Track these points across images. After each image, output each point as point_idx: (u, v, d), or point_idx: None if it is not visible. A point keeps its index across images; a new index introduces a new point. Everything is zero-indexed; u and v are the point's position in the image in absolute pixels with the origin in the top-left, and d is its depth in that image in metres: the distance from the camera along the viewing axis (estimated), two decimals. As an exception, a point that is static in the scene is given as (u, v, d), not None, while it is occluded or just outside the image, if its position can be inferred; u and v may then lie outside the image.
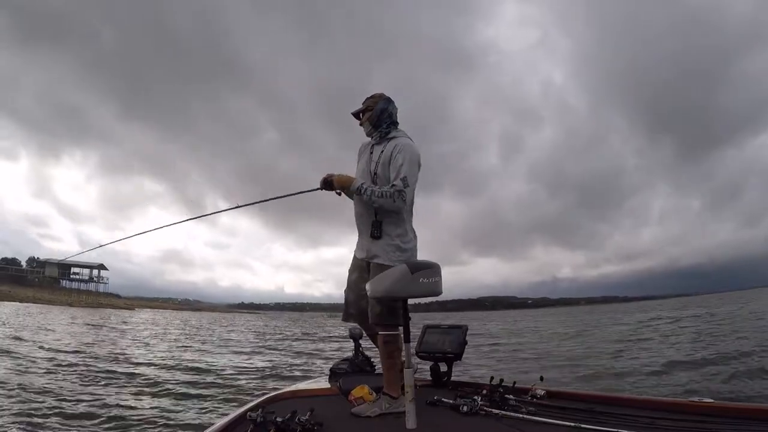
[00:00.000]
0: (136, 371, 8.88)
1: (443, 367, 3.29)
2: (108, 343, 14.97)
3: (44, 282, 78.85)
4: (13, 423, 5.01)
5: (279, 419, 2.11)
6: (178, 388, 7.22)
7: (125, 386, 7.23)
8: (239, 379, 8.32)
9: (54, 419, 5.23)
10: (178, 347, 14.75)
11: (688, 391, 6.50)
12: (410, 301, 2.40)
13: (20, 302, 50.96)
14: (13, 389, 6.58)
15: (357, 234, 2.86)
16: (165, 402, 6.27)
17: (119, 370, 9.02)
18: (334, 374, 3.23)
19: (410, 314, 2.39)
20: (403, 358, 2.34)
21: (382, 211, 2.69)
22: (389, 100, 2.86)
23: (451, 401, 2.56)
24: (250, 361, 11.23)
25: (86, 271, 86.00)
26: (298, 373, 9.09)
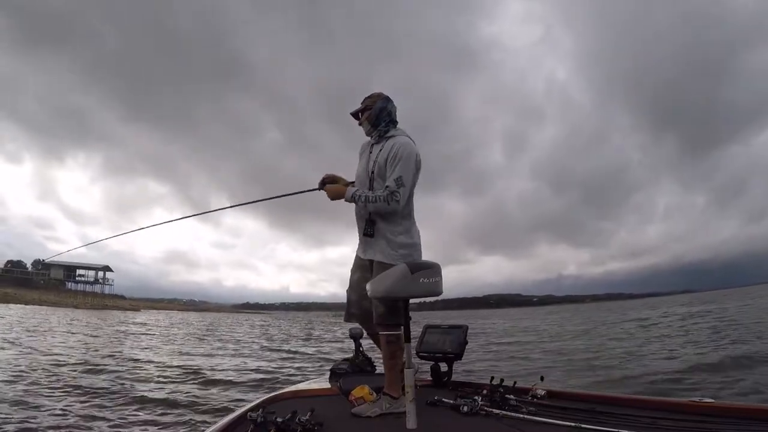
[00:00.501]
0: (137, 371, 8.93)
1: (443, 367, 3.29)
2: (111, 343, 15.04)
3: (49, 284, 79.09)
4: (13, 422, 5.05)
5: (279, 419, 2.12)
6: (179, 388, 7.24)
7: (126, 386, 7.25)
8: (240, 379, 8.33)
9: (53, 419, 5.25)
10: (180, 347, 14.80)
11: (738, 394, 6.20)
12: (415, 300, 2.40)
13: (25, 304, 51.18)
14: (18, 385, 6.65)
15: (358, 233, 2.87)
16: (165, 402, 6.28)
17: (120, 369, 9.08)
18: (334, 374, 3.22)
19: (416, 312, 2.38)
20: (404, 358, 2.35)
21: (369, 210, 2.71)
22: (388, 99, 2.86)
23: (451, 401, 2.56)
24: (252, 362, 11.23)
25: (91, 273, 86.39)
26: (298, 374, 9.09)
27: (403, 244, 2.68)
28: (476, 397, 2.51)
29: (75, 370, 8.62)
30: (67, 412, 5.53)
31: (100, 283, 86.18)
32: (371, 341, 3.02)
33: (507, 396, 2.53)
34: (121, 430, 5.03)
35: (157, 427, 5.13)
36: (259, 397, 3.02)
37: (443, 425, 2.31)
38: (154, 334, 20.40)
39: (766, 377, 6.98)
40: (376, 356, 3.13)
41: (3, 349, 11.67)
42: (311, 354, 13.25)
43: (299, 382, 4.49)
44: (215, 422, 2.34)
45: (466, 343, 3.22)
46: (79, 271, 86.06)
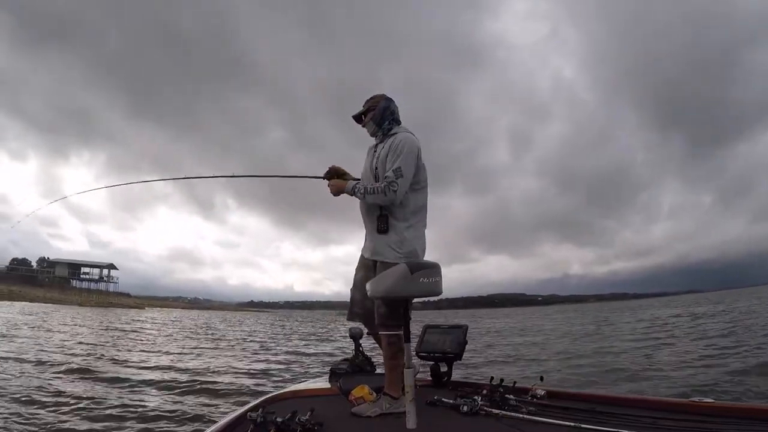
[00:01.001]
0: (139, 371, 8.95)
1: (443, 367, 3.29)
2: (114, 342, 15.10)
3: (54, 282, 79.50)
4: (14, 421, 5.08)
5: (279, 419, 2.13)
6: (180, 389, 7.25)
7: (126, 387, 7.28)
8: (240, 379, 8.35)
9: (53, 418, 5.28)
10: (183, 346, 14.84)
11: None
12: (419, 300, 2.40)
13: (30, 302, 51.44)
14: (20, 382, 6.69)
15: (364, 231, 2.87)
16: (165, 402, 6.30)
17: (122, 369, 9.12)
18: (334, 374, 3.23)
19: (421, 312, 2.38)
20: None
21: (386, 206, 2.70)
22: (390, 99, 2.89)
23: (451, 401, 2.56)
24: (253, 361, 11.25)
25: (96, 270, 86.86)
26: (298, 374, 9.10)
27: (407, 239, 2.66)
28: (476, 397, 2.51)
29: (75, 370, 8.66)
30: (63, 414, 5.55)
31: (105, 280, 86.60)
32: (372, 341, 3.02)
33: (507, 396, 2.53)
34: (121, 430, 5.05)
35: (156, 428, 5.15)
36: (258, 397, 3.02)
37: (443, 425, 2.31)
38: (156, 333, 20.46)
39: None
40: (376, 356, 3.13)
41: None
42: (312, 353, 13.28)
43: (299, 382, 4.49)
44: (215, 422, 2.34)
45: (466, 343, 3.22)
46: (84, 269, 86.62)
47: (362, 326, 3.12)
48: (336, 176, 2.91)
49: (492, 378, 2.80)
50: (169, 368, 9.48)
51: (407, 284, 2.21)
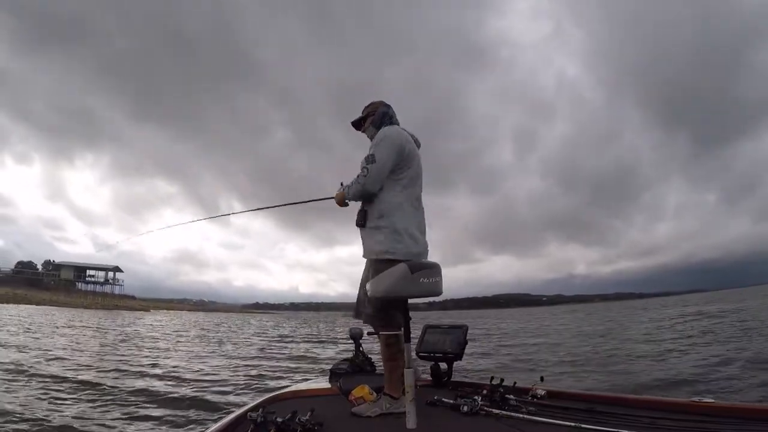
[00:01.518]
0: (141, 371, 8.99)
1: (443, 367, 3.29)
2: (118, 343, 15.15)
3: (60, 285, 79.78)
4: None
5: (279, 419, 2.14)
6: (180, 389, 7.27)
7: (128, 387, 7.31)
8: (241, 380, 8.36)
9: (52, 419, 5.31)
10: (185, 347, 14.90)
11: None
12: (424, 300, 2.40)
13: (37, 305, 51.65)
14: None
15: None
16: (166, 402, 6.31)
17: (124, 369, 9.16)
18: (334, 374, 3.24)
19: (426, 312, 2.38)
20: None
21: (365, 200, 2.71)
22: (389, 105, 2.92)
23: (451, 401, 2.57)
24: (254, 362, 11.26)
25: (101, 273, 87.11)
26: (298, 374, 9.11)
27: (378, 226, 2.62)
28: (476, 397, 2.51)
29: (78, 370, 8.70)
30: (63, 413, 5.59)
31: (110, 283, 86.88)
32: (371, 341, 3.02)
33: (507, 396, 2.53)
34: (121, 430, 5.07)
35: (157, 428, 5.17)
36: (259, 397, 3.03)
37: (443, 425, 2.31)
38: (159, 335, 20.53)
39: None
40: (376, 356, 3.13)
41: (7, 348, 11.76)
42: (313, 354, 13.28)
43: (299, 382, 4.50)
44: (215, 422, 2.35)
45: (466, 343, 3.23)
46: (89, 272, 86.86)
47: (363, 326, 3.12)
48: None
49: (492, 378, 2.80)
50: (171, 368, 9.51)
51: (407, 284, 2.22)
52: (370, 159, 2.59)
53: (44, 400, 6.14)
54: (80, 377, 8.02)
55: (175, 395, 6.76)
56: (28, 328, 19.08)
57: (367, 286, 2.42)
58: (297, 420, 2.14)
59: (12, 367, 8.59)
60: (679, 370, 8.07)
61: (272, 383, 7.87)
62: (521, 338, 18.17)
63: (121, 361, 10.60)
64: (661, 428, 1.94)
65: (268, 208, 3.80)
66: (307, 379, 4.52)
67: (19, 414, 5.34)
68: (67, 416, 5.43)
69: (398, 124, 2.87)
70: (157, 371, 9.11)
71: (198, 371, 9.29)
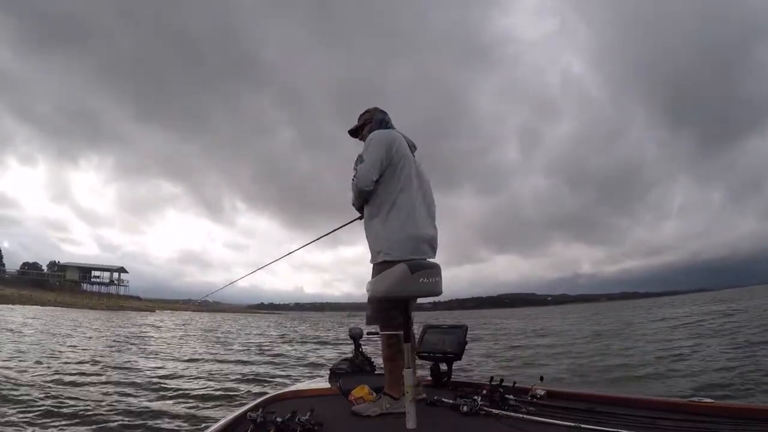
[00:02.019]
0: (143, 372, 9.04)
1: (443, 367, 3.29)
2: (121, 344, 15.23)
3: (65, 285, 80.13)
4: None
5: (279, 419, 2.14)
6: (181, 389, 7.30)
7: (129, 387, 7.35)
8: (242, 380, 8.38)
9: (55, 417, 5.34)
10: (188, 348, 14.96)
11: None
12: (428, 300, 2.40)
13: (42, 306, 51.87)
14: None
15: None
16: (167, 402, 6.34)
17: (127, 369, 9.22)
18: (334, 374, 3.25)
19: (431, 312, 2.37)
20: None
21: (364, 201, 2.76)
22: (385, 112, 2.94)
23: (451, 401, 2.56)
24: (255, 362, 11.29)
25: (106, 274, 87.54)
26: (298, 374, 9.13)
27: (380, 238, 2.64)
28: (476, 397, 2.51)
29: (82, 371, 8.76)
30: (63, 413, 5.62)
31: (115, 284, 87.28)
32: (372, 341, 3.02)
33: (506, 396, 2.53)
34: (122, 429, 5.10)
35: (157, 427, 5.19)
36: (258, 397, 3.04)
37: (443, 425, 2.31)
38: (162, 336, 20.60)
39: None
40: (376, 356, 3.13)
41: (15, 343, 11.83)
42: (315, 354, 13.30)
43: (299, 382, 4.50)
44: (215, 422, 2.36)
45: (466, 343, 3.23)
46: (95, 273, 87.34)
47: (363, 326, 3.12)
48: None
49: (492, 378, 2.80)
50: (172, 369, 9.56)
51: (407, 284, 2.20)
52: (359, 160, 2.65)
53: (46, 399, 6.20)
54: (81, 377, 8.08)
55: (176, 395, 6.80)
56: (28, 329, 19.20)
57: (367, 287, 2.42)
58: (297, 420, 2.14)
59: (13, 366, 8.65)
60: (706, 371, 7.83)
61: (272, 383, 7.90)
62: (529, 338, 18.03)
63: (121, 360, 10.68)
64: (661, 428, 1.94)
65: (313, 241, 3.74)
66: (308, 379, 4.52)
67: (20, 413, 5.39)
68: (68, 415, 5.47)
69: (394, 129, 2.88)
70: (158, 371, 9.17)
71: (198, 371, 9.34)
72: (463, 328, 3.31)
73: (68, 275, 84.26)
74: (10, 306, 44.72)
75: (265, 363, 11.14)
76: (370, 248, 2.70)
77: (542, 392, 2.63)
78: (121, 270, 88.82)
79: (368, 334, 3.08)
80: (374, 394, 2.63)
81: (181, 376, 8.63)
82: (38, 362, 9.61)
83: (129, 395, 6.69)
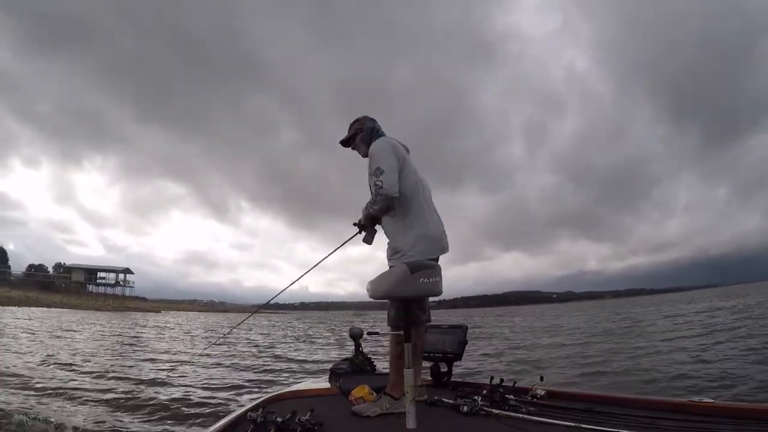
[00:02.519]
0: (144, 371, 9.09)
1: (443, 367, 3.29)
2: (125, 344, 15.31)
3: (71, 287, 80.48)
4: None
5: (279, 419, 2.15)
6: (181, 389, 7.32)
7: (130, 387, 7.38)
8: (242, 380, 8.40)
9: (55, 417, 5.37)
10: (190, 348, 15.02)
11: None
12: (434, 299, 2.41)
13: (48, 307, 52.14)
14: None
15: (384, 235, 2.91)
16: (167, 402, 6.36)
17: (128, 369, 9.29)
18: (334, 374, 3.24)
19: (435, 311, 2.38)
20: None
21: (381, 216, 2.77)
22: (374, 120, 2.95)
23: (451, 401, 2.56)
24: (256, 362, 11.30)
25: (112, 275, 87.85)
26: (298, 374, 9.14)
27: (395, 248, 2.69)
28: (476, 397, 2.50)
29: (84, 371, 8.82)
30: (69, 410, 5.66)
31: (121, 285, 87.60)
32: (373, 341, 3.03)
33: (507, 396, 2.52)
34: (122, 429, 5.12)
35: (158, 427, 5.21)
36: (259, 397, 3.05)
37: (443, 425, 2.31)
38: (165, 336, 20.68)
39: None
40: (376, 356, 3.13)
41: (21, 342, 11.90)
42: (316, 355, 13.31)
43: (299, 382, 4.51)
44: (215, 422, 2.37)
45: (466, 342, 3.22)
46: (100, 274, 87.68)
47: (362, 326, 3.13)
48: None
49: (492, 378, 2.80)
50: (173, 369, 9.60)
51: (407, 285, 2.21)
52: (378, 172, 2.61)
53: (48, 400, 6.26)
54: (83, 377, 8.14)
55: (176, 395, 6.82)
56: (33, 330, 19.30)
57: (367, 287, 2.43)
58: (297, 420, 2.15)
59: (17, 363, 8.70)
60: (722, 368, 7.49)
61: (272, 383, 7.91)
62: (536, 337, 17.79)
63: (124, 360, 10.74)
64: (661, 428, 1.93)
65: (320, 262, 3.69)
66: (308, 379, 4.53)
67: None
68: (68, 413, 5.51)
69: (385, 135, 2.90)
70: (158, 371, 9.21)
71: (199, 371, 9.37)
72: (463, 328, 3.30)
73: (74, 277, 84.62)
74: (16, 308, 44.96)
75: (266, 363, 11.15)
76: (390, 248, 2.72)
77: (542, 392, 2.63)
78: (127, 271, 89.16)
79: (368, 334, 3.08)
80: (374, 394, 2.63)
81: (182, 376, 8.67)
82: (43, 362, 9.70)
83: (130, 395, 6.73)
